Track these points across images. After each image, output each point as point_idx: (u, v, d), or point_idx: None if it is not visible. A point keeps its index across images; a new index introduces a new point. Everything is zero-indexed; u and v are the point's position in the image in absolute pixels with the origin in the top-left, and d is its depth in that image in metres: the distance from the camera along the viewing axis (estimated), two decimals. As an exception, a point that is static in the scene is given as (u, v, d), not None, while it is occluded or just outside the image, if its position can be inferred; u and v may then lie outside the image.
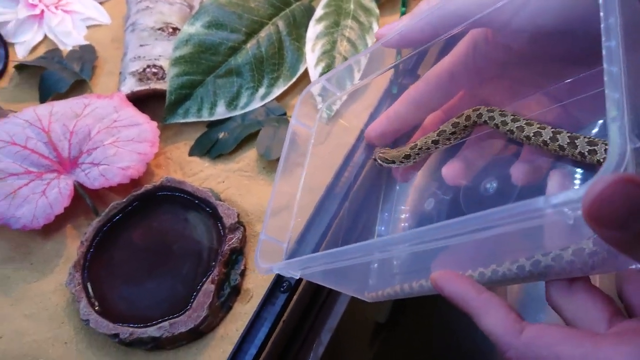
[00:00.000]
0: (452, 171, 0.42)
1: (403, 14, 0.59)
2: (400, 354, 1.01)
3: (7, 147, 0.55)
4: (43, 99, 0.65)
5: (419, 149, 0.45)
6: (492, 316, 0.29)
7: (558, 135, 0.35)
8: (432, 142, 0.44)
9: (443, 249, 0.43)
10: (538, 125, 0.36)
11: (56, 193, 0.54)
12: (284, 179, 0.49)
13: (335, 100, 0.59)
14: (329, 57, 0.64)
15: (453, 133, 0.42)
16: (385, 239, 0.34)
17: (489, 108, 0.40)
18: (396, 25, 0.39)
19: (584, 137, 0.34)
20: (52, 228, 0.56)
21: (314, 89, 0.52)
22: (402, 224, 0.51)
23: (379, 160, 0.49)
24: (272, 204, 0.46)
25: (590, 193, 0.21)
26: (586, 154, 0.33)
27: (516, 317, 0.29)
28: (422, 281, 0.38)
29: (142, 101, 0.64)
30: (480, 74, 0.41)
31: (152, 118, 0.60)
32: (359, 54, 0.48)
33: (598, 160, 0.33)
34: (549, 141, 0.35)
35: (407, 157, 0.46)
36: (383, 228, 0.52)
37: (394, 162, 0.47)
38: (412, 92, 0.45)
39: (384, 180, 0.54)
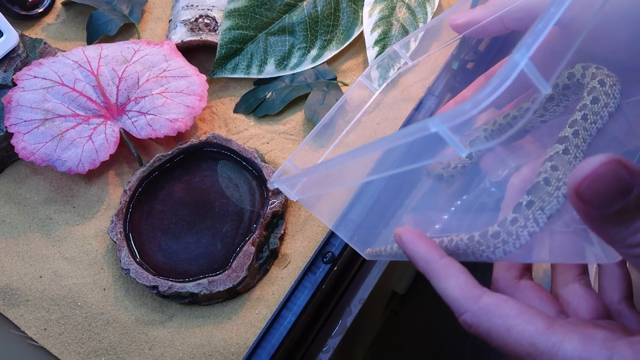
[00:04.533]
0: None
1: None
2: (404, 324, 1.03)
3: (56, 87, 0.54)
4: (91, 40, 0.64)
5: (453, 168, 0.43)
6: (453, 280, 0.29)
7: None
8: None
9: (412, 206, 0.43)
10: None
11: (102, 139, 0.53)
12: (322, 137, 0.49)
13: (393, 70, 0.57)
14: (386, 24, 0.61)
15: (501, 125, 0.41)
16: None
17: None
18: (470, 14, 0.38)
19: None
20: (95, 173, 0.55)
21: (381, 56, 0.50)
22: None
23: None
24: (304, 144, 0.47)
25: (582, 171, 0.21)
26: None
27: (476, 283, 0.29)
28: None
29: (190, 51, 0.63)
30: (547, 68, 0.39)
31: (199, 70, 0.59)
32: (431, 21, 0.46)
33: None
34: None
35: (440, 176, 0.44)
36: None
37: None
38: (481, 80, 0.43)
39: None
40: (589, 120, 0.31)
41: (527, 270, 0.34)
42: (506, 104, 0.42)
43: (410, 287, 0.98)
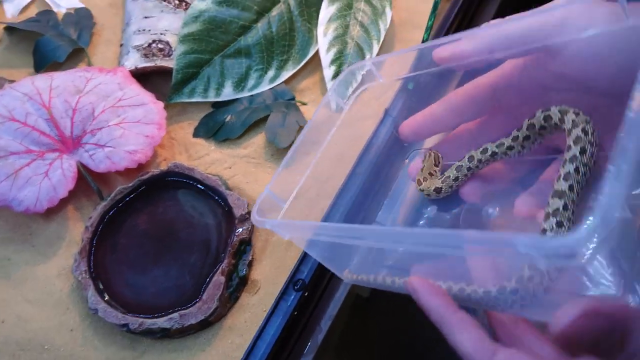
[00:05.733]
0: (469, 189, 0.43)
1: (430, 26, 0.58)
2: (372, 327, 1.04)
3: (6, 123, 0.52)
4: (38, 68, 0.62)
5: (453, 180, 0.45)
6: (467, 335, 0.30)
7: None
8: (467, 168, 0.45)
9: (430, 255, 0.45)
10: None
11: (60, 175, 0.52)
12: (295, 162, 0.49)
13: (351, 88, 0.58)
14: (341, 42, 0.62)
15: (480, 161, 0.44)
16: (378, 229, 0.34)
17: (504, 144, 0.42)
18: (456, 46, 0.39)
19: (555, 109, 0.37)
20: (54, 209, 0.54)
21: (346, 72, 0.50)
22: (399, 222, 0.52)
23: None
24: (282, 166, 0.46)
25: (559, 321, 0.23)
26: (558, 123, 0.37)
27: (490, 339, 0.31)
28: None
29: (144, 77, 0.62)
30: (522, 94, 0.41)
31: (156, 96, 0.58)
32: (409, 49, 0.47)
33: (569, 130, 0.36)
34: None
35: (438, 190, 0.46)
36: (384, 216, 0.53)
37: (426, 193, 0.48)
38: (452, 97, 0.44)
39: (394, 172, 0.54)
40: (580, 173, 0.34)
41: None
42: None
43: (373, 290, 0.99)
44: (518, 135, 0.42)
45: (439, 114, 0.46)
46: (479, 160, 0.44)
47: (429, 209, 0.50)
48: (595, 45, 0.33)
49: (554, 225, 0.32)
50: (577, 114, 0.36)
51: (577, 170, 0.35)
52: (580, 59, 0.35)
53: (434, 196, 0.48)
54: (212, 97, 0.61)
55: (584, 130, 0.36)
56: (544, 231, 0.33)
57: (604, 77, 0.35)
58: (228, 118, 0.60)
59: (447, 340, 0.31)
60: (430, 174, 0.48)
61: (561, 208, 0.33)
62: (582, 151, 0.35)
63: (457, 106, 0.44)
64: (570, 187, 0.34)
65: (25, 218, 0.54)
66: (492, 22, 0.38)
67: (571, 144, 0.35)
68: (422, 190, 0.48)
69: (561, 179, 0.34)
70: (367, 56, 0.62)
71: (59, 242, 0.53)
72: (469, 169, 0.45)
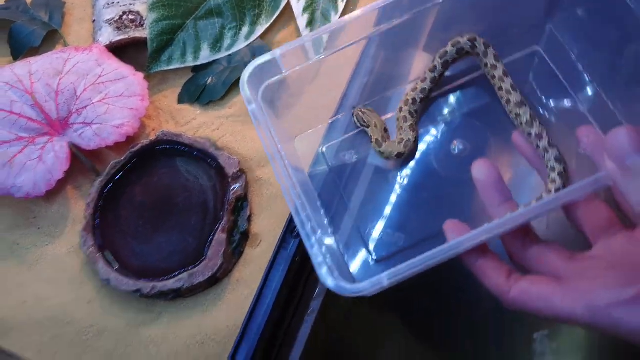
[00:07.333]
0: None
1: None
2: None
3: (-8, 114, 0.53)
4: (17, 55, 0.62)
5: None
6: (487, 281, 0.36)
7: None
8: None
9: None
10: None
11: (53, 157, 0.53)
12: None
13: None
14: (311, -11, 0.62)
15: (416, 112, 0.48)
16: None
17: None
18: None
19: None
20: (52, 191, 0.55)
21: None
22: None
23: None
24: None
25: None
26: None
27: (505, 278, 0.35)
28: None
29: (121, 50, 0.62)
30: None
31: (135, 68, 0.59)
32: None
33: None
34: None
35: (400, 155, 0.48)
36: None
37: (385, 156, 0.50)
38: None
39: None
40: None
41: (526, 237, 0.38)
42: None
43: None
44: (435, 76, 0.45)
45: None
46: (415, 112, 0.46)
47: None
48: None
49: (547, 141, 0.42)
50: (481, 38, 0.42)
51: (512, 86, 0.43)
52: None
53: (393, 160, 0.49)
54: (190, 62, 0.61)
55: (494, 48, 0.42)
56: (537, 147, 0.42)
57: None
58: (209, 80, 0.61)
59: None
60: (385, 130, 0.49)
61: (530, 116, 0.42)
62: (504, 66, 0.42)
63: None
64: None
65: (27, 203, 0.56)
66: None
67: (497, 63, 0.42)
68: (382, 153, 0.49)
69: (519, 100, 0.43)
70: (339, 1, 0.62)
71: (64, 222, 0.55)
72: (416, 123, 0.47)
